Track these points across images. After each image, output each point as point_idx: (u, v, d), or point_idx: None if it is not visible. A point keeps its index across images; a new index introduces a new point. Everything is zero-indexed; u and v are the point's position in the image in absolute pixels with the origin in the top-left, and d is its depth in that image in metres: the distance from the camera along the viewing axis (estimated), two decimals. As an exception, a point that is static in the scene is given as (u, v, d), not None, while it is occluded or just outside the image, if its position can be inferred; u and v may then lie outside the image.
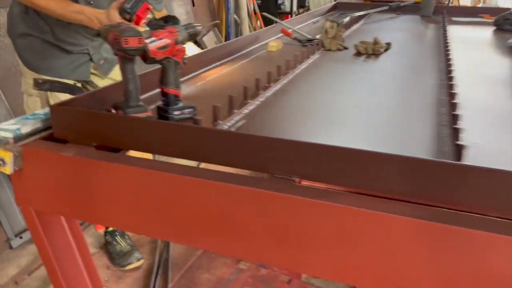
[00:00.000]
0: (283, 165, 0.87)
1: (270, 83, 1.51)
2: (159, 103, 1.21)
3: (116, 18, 1.48)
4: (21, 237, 2.30)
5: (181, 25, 1.16)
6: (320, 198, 0.78)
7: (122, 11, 1.49)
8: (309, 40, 2.29)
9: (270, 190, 0.81)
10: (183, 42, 1.14)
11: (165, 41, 1.09)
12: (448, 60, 1.77)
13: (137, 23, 1.51)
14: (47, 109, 1.19)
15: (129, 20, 1.50)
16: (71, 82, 1.81)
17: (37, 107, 1.77)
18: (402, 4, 3.57)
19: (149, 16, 1.52)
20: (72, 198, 1.03)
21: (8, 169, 1.01)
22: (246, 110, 1.28)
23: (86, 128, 1.02)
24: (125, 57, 1.02)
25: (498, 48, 2.24)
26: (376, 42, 2.07)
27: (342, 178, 0.82)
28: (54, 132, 1.08)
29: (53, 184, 1.04)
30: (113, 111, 1.05)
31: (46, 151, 1.01)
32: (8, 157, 1.00)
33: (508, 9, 2.91)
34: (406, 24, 3.08)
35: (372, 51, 2.06)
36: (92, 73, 1.92)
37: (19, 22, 1.69)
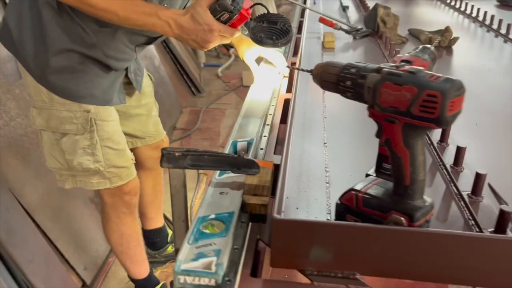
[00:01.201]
0: None
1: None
2: (370, 171, 0.79)
3: (207, 19, 0.99)
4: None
5: (418, 50, 0.75)
6: None
7: (219, 9, 1.00)
8: (357, 30, 1.92)
9: None
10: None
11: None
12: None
13: (235, 26, 1.04)
14: (218, 202, 0.71)
15: (225, 22, 1.02)
16: (115, 109, 1.31)
17: (80, 149, 1.24)
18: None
19: None
20: None
21: None
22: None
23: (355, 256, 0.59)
24: (422, 128, 0.59)
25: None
26: (450, 33, 1.77)
27: None
28: (272, 260, 0.62)
29: None
30: (402, 220, 0.61)
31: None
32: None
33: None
34: (404, 4, 2.81)
35: (448, 43, 1.76)
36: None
37: (56, 32, 1.11)
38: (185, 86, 3.61)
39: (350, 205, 0.67)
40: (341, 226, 0.59)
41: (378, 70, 0.59)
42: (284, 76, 1.43)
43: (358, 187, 0.67)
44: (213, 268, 0.58)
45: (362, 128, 1.08)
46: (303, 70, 0.72)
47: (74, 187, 1.33)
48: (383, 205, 0.63)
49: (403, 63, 0.59)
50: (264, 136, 0.99)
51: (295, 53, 1.88)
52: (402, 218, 0.60)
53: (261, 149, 0.93)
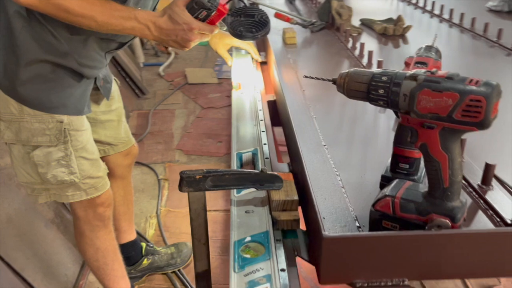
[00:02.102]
0: None
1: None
2: (384, 171, 0.81)
3: (186, 18, 0.98)
4: None
5: (424, 50, 0.76)
6: None
7: (197, 7, 0.99)
8: (312, 24, 1.94)
9: None
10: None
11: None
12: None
13: (213, 23, 1.03)
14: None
15: (203, 20, 1.00)
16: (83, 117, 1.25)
17: (54, 161, 1.17)
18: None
19: None
20: None
21: None
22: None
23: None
24: (462, 131, 0.60)
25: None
26: (403, 21, 1.84)
27: None
28: (322, 276, 0.61)
29: None
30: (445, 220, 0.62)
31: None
32: None
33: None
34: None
35: (402, 31, 1.83)
36: None
37: (28, 42, 1.04)
38: (129, 89, 3.46)
39: (387, 211, 0.67)
40: (394, 236, 0.59)
41: (414, 77, 0.60)
42: (258, 62, 1.48)
43: (392, 192, 0.67)
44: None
45: (353, 126, 1.09)
46: (323, 79, 0.71)
47: (48, 201, 1.27)
48: (421, 209, 0.64)
49: (434, 69, 0.59)
50: (264, 144, 0.97)
51: (259, 50, 1.87)
52: (447, 220, 0.61)
53: (266, 158, 0.91)
